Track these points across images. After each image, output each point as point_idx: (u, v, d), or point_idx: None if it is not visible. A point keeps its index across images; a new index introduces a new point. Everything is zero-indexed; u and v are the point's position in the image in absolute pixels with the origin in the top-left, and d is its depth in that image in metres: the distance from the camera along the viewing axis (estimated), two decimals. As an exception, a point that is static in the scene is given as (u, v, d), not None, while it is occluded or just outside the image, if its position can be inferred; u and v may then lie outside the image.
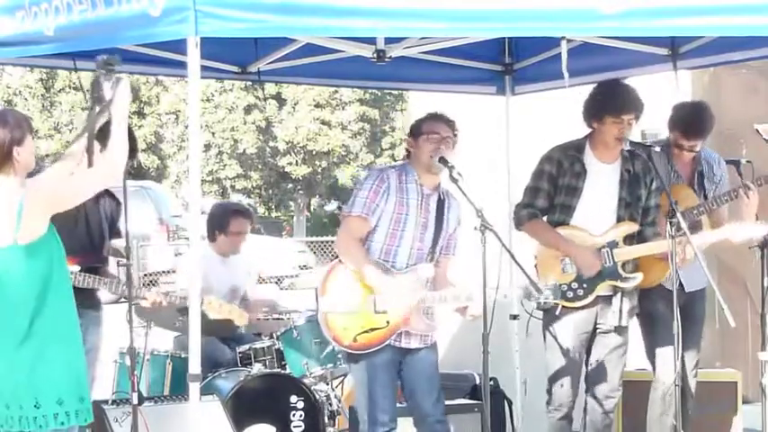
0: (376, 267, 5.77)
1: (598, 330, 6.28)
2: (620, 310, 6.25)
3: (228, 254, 7.66)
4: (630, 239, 6.23)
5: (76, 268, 6.21)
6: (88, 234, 6.33)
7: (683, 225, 5.80)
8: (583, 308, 6.21)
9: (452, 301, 5.78)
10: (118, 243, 6.40)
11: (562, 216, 6.26)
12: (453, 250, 6.03)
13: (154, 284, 6.68)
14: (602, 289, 6.21)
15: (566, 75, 6.74)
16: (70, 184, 4.90)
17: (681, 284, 6.37)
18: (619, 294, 6.24)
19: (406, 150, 6.03)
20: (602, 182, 6.25)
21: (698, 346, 6.63)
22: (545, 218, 6.32)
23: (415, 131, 5.93)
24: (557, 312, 6.19)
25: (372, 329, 5.77)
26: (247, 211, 8.00)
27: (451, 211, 5.98)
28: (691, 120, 6.57)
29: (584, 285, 6.19)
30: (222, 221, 7.61)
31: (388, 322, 5.78)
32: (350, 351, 5.81)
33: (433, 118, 5.96)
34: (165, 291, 6.42)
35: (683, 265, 5.99)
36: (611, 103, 6.17)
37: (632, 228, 6.23)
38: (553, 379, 6.27)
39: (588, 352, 6.31)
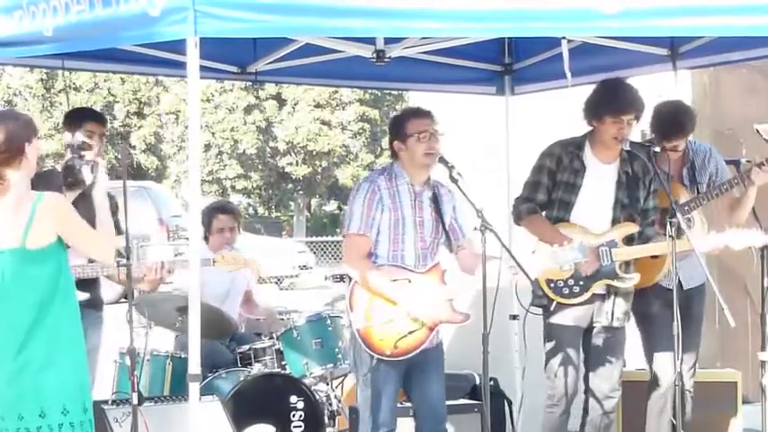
0: (389, 279, 5.76)
1: (595, 329, 6.28)
2: (612, 312, 6.25)
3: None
4: (630, 240, 6.23)
5: (83, 261, 6.22)
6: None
7: (684, 226, 5.80)
8: (580, 304, 6.21)
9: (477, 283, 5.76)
10: (118, 243, 6.39)
11: (561, 213, 6.27)
12: (463, 232, 6.01)
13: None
14: (599, 287, 6.22)
15: (568, 74, 6.74)
16: (83, 231, 4.85)
17: (679, 282, 6.38)
18: (612, 296, 6.24)
19: (393, 152, 5.96)
20: (599, 181, 6.26)
21: (696, 345, 6.62)
22: (544, 213, 6.32)
23: (401, 133, 5.87)
24: (552, 308, 6.20)
25: (411, 332, 5.77)
26: (228, 207, 7.95)
27: (445, 204, 5.97)
28: (668, 122, 6.56)
29: (581, 283, 6.20)
30: (206, 222, 7.61)
31: (423, 323, 5.78)
32: (393, 359, 5.77)
33: (415, 115, 5.92)
34: (157, 261, 6.38)
35: (683, 252, 5.98)
36: (611, 102, 6.17)
37: (632, 229, 6.23)
38: (552, 374, 6.27)
39: (587, 351, 6.31)
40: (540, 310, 6.28)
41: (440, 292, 5.80)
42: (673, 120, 6.55)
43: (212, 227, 7.64)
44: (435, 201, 5.93)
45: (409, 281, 5.80)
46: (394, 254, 5.85)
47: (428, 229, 5.91)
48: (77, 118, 6.37)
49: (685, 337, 6.08)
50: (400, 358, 5.79)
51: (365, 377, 5.82)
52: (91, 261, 6.24)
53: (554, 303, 6.20)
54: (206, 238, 7.64)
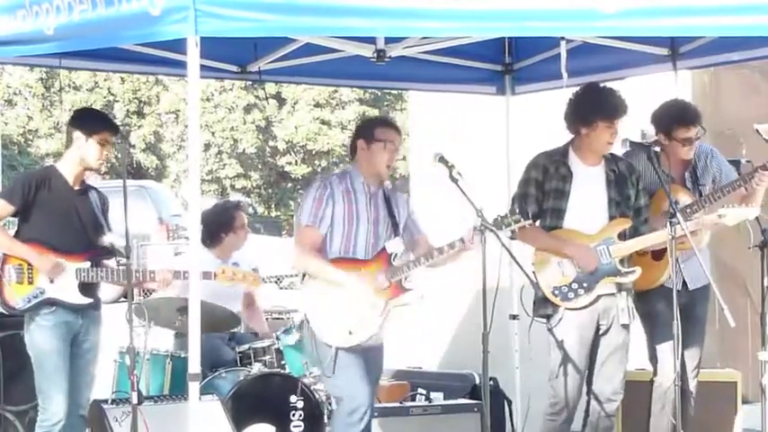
0: (335, 265, 5.84)
1: (600, 331, 6.26)
2: (628, 308, 6.24)
3: (231, 253, 7.68)
4: (624, 236, 6.22)
5: (87, 264, 6.24)
6: (83, 229, 6.32)
7: (683, 225, 5.80)
8: (584, 308, 6.20)
9: (440, 254, 5.82)
10: (117, 242, 6.40)
11: (554, 221, 6.26)
12: (419, 229, 6.10)
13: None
14: (603, 287, 6.20)
15: (564, 75, 6.74)
16: None
17: (684, 283, 6.38)
18: (624, 292, 6.23)
19: (353, 149, 6.02)
20: (589, 184, 6.25)
21: (700, 346, 6.62)
22: (537, 223, 6.31)
23: (368, 136, 5.95)
24: (559, 315, 6.18)
25: (363, 318, 5.81)
26: (242, 204, 8.19)
27: (400, 204, 6.06)
28: (684, 108, 6.55)
29: (585, 285, 6.18)
30: (227, 220, 7.65)
31: (374, 305, 5.83)
32: (348, 347, 5.80)
33: (387, 125, 6.04)
34: (171, 268, 6.42)
35: (682, 247, 5.97)
36: (603, 108, 6.15)
37: (625, 224, 6.23)
38: (557, 382, 6.25)
39: (591, 354, 6.29)
40: (543, 320, 6.26)
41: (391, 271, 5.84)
42: (686, 106, 6.56)
43: (235, 223, 7.73)
44: (387, 200, 6.00)
45: (359, 270, 5.86)
46: (346, 248, 5.91)
47: (383, 226, 5.98)
48: (93, 124, 6.30)
49: (689, 338, 6.08)
50: (355, 344, 5.81)
51: (329, 367, 5.85)
52: (96, 265, 6.27)
53: (562, 310, 6.19)
54: (216, 241, 7.62)
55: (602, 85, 6.38)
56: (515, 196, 6.35)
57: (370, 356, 5.93)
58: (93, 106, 28.75)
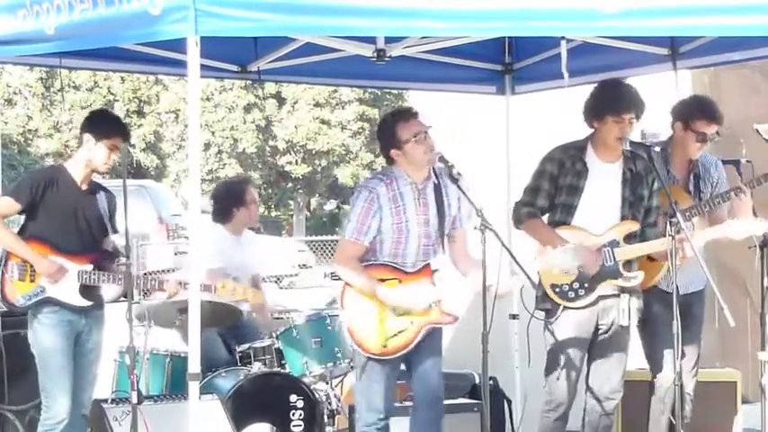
0: (379, 278, 5.81)
1: (599, 331, 6.26)
2: (629, 309, 6.22)
3: (243, 229, 7.69)
4: (631, 239, 6.22)
5: (89, 267, 6.25)
6: (89, 230, 6.34)
7: (683, 224, 5.80)
8: (584, 308, 6.20)
9: (469, 287, 5.81)
10: (118, 242, 6.41)
11: (563, 216, 6.25)
12: (461, 223, 6.03)
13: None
14: (604, 288, 6.20)
15: (565, 75, 6.75)
16: None
17: (676, 287, 6.37)
18: (628, 294, 6.22)
19: (389, 159, 5.96)
20: (604, 181, 6.23)
21: (697, 346, 6.62)
22: (545, 217, 6.31)
23: (394, 139, 5.86)
24: (558, 312, 6.19)
25: (400, 332, 5.82)
26: (252, 180, 8.25)
27: (450, 191, 5.96)
28: (711, 104, 6.53)
29: (586, 285, 6.17)
30: (239, 194, 7.65)
31: (412, 322, 5.83)
32: (383, 358, 5.83)
33: (404, 118, 5.92)
34: (180, 280, 6.42)
35: (681, 264, 5.97)
36: (612, 102, 6.15)
37: (633, 227, 6.21)
38: (553, 379, 6.25)
39: (589, 352, 6.30)
40: (542, 314, 6.26)
41: (427, 294, 5.83)
42: (712, 103, 6.52)
43: (246, 197, 7.67)
44: (438, 192, 5.94)
45: (399, 281, 5.84)
46: (395, 252, 5.88)
47: (433, 226, 5.93)
48: (106, 129, 6.30)
49: (686, 339, 6.07)
50: (389, 357, 5.84)
51: (360, 371, 5.91)
52: (99, 268, 6.27)
53: (561, 308, 6.19)
54: (229, 217, 7.61)
55: (621, 80, 6.35)
56: (527, 188, 6.34)
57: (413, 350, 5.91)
58: (92, 106, 28.82)
